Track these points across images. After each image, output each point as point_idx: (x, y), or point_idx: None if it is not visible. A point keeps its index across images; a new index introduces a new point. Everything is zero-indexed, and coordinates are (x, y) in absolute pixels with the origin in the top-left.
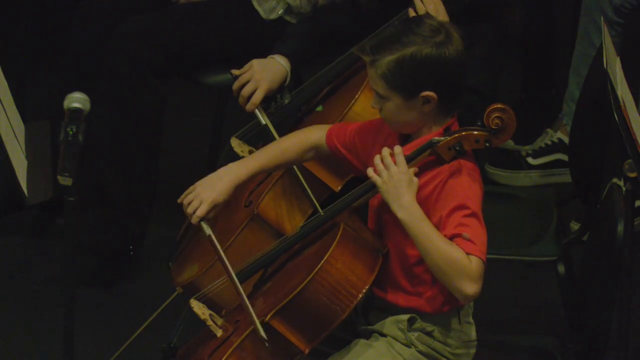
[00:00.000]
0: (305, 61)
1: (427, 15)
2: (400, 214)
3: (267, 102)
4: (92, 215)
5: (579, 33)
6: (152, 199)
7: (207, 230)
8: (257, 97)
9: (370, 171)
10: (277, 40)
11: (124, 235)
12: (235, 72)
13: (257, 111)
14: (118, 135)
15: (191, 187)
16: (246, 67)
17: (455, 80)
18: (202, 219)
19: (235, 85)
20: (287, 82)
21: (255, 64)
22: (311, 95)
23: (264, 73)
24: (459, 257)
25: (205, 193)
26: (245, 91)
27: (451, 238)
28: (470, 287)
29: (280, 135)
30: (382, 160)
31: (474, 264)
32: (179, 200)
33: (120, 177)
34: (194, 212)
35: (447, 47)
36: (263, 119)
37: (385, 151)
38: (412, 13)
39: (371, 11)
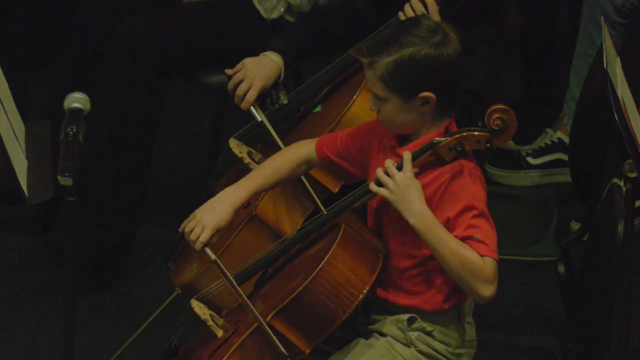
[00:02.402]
0: (299, 59)
1: (424, 15)
2: (412, 220)
3: (263, 100)
4: (82, 217)
5: (580, 33)
6: (143, 199)
7: (212, 255)
8: (251, 95)
9: (373, 185)
10: (272, 38)
11: (114, 237)
12: (228, 71)
13: (252, 109)
14: (114, 134)
15: (191, 215)
16: (239, 66)
17: (454, 80)
18: (206, 244)
19: (230, 85)
20: (281, 78)
21: (248, 62)
22: (310, 96)
23: (257, 71)
24: (474, 260)
25: (207, 219)
26: (240, 90)
27: (462, 240)
28: (487, 289)
29: (278, 133)
30: (384, 172)
31: (489, 265)
32: (180, 229)
33: (112, 176)
34: (197, 239)
35: (445, 47)
36: (259, 116)
37: (389, 162)
38: (401, 17)
39: (368, 14)
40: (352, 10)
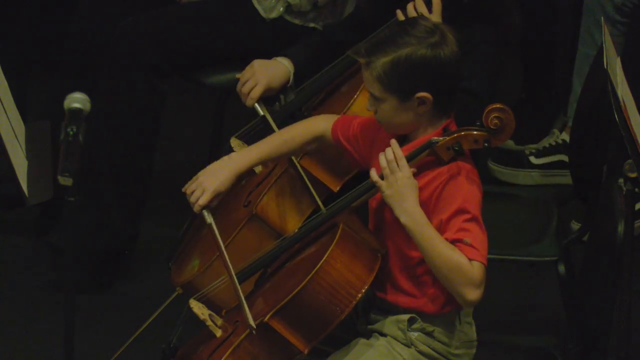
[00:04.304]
0: (310, 67)
1: (422, 16)
2: (404, 218)
3: (272, 102)
4: (84, 217)
5: (581, 33)
6: (145, 199)
7: (209, 218)
8: (256, 91)
9: (374, 174)
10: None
11: (116, 237)
12: (238, 75)
13: (256, 105)
14: (115, 134)
15: (194, 177)
16: (248, 67)
17: (450, 81)
18: (205, 207)
19: (238, 86)
20: (290, 82)
21: (256, 63)
22: (311, 95)
23: (264, 71)
24: (461, 263)
25: (208, 182)
26: (246, 88)
27: (452, 243)
28: (473, 293)
29: (279, 127)
30: (387, 164)
31: (476, 269)
32: (183, 189)
33: (114, 176)
34: (197, 201)
35: (442, 48)
36: (261, 111)
37: (390, 154)
38: (400, 16)
39: (372, 18)
40: (360, 19)
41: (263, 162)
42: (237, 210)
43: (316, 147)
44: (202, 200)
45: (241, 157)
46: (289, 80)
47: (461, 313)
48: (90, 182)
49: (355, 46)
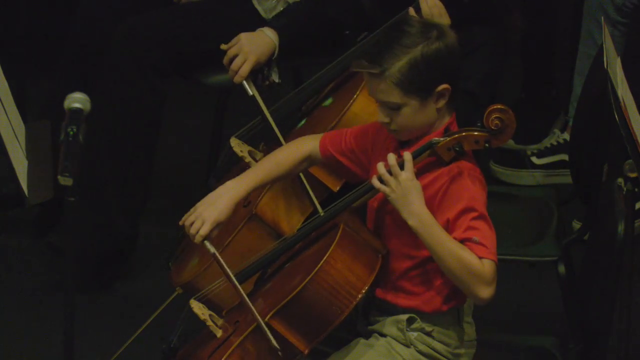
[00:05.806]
0: (296, 39)
1: (407, 14)
2: (411, 221)
3: (254, 75)
4: (84, 217)
5: (582, 34)
6: (145, 199)
7: (212, 248)
8: (245, 69)
9: (375, 181)
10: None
11: (116, 237)
12: (224, 46)
13: (244, 83)
14: (116, 135)
15: (192, 209)
16: (234, 40)
17: (460, 67)
18: (206, 238)
19: (225, 60)
20: (275, 55)
21: (243, 37)
22: (310, 96)
23: (252, 46)
24: (472, 262)
25: (207, 213)
26: (234, 64)
27: (461, 242)
28: (485, 291)
29: (278, 126)
30: (387, 170)
31: (487, 267)
32: (180, 223)
33: (115, 176)
34: (197, 232)
35: (446, 37)
36: (250, 90)
37: (392, 159)
38: (412, 12)
39: (374, 12)
40: (357, 9)
41: (258, 188)
42: (237, 209)
43: (307, 167)
44: (203, 231)
45: (237, 185)
46: (274, 53)
47: (461, 313)
48: (90, 182)
49: (357, 61)
